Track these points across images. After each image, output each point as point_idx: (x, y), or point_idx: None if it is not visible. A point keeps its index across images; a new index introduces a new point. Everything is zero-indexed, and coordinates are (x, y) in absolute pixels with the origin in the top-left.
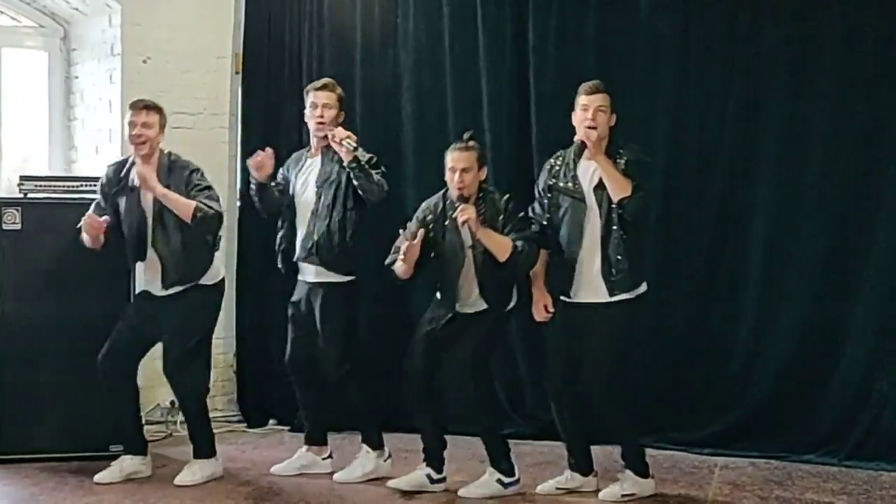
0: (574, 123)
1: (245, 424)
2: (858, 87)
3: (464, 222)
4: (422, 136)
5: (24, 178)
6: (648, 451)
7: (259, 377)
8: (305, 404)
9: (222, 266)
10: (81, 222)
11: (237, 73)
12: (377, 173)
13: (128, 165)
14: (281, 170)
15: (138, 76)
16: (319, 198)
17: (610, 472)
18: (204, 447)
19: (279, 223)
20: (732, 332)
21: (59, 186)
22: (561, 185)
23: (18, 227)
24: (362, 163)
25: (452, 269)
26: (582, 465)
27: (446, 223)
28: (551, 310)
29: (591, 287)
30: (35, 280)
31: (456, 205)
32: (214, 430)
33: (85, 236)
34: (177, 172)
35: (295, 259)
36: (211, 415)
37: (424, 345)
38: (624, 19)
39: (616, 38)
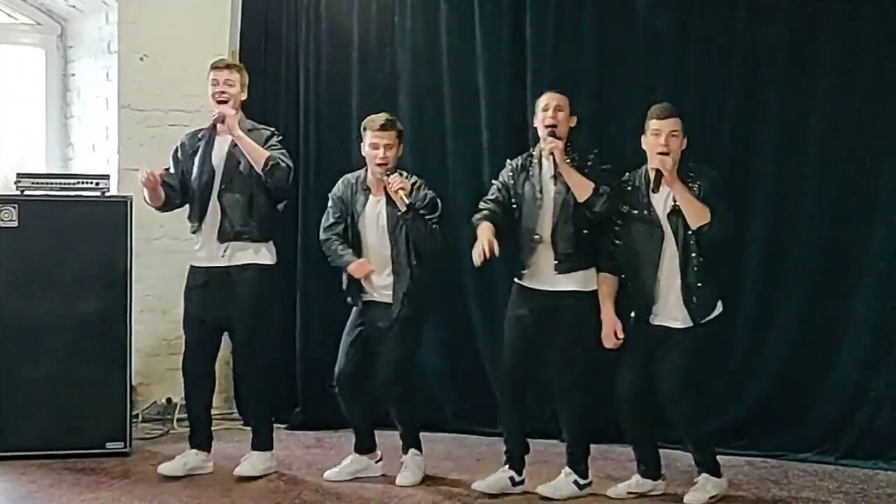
0: (644, 148)
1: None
2: (857, 84)
3: (550, 151)
4: (419, 134)
5: (21, 176)
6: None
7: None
8: (352, 417)
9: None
10: (140, 176)
11: None
12: (432, 220)
13: (204, 130)
14: (335, 193)
15: (135, 73)
16: (395, 244)
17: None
18: (264, 440)
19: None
20: (730, 332)
21: (56, 184)
22: (635, 212)
23: (15, 224)
24: (418, 211)
25: (529, 219)
26: (651, 469)
27: (530, 166)
28: (621, 336)
29: (670, 314)
30: (32, 277)
31: (545, 139)
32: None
33: (145, 192)
34: (255, 133)
35: (366, 300)
36: None
37: (516, 342)
38: (621, 17)
39: (613, 36)
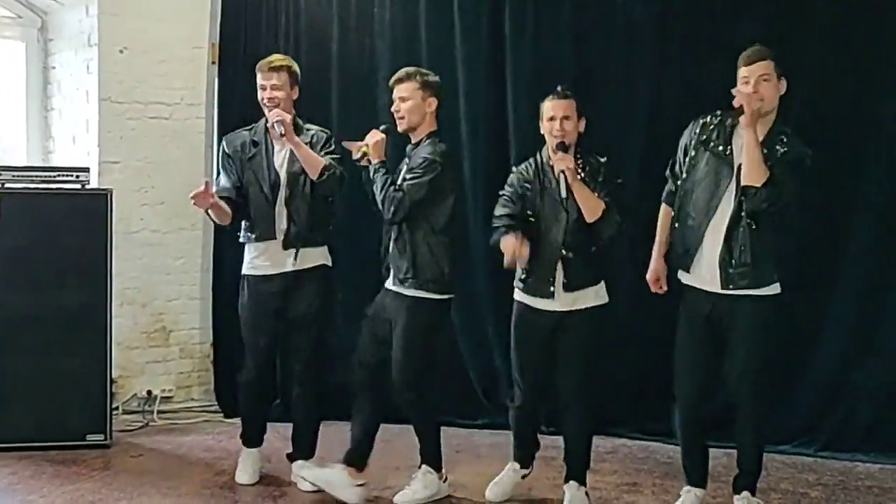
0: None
1: (221, 414)
2: (839, 78)
3: (561, 171)
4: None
5: (1, 168)
6: (623, 441)
7: (236, 367)
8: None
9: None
10: (193, 200)
11: (213, 63)
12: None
13: (248, 135)
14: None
15: (115, 66)
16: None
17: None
18: (306, 444)
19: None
20: None
21: (37, 176)
22: (711, 144)
23: None
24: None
25: (553, 232)
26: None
27: (545, 179)
28: (664, 287)
29: (706, 271)
30: (12, 270)
31: (555, 152)
32: (190, 421)
33: (211, 213)
34: (308, 135)
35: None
36: (187, 404)
37: (535, 369)
38: (600, 9)
39: (592, 28)
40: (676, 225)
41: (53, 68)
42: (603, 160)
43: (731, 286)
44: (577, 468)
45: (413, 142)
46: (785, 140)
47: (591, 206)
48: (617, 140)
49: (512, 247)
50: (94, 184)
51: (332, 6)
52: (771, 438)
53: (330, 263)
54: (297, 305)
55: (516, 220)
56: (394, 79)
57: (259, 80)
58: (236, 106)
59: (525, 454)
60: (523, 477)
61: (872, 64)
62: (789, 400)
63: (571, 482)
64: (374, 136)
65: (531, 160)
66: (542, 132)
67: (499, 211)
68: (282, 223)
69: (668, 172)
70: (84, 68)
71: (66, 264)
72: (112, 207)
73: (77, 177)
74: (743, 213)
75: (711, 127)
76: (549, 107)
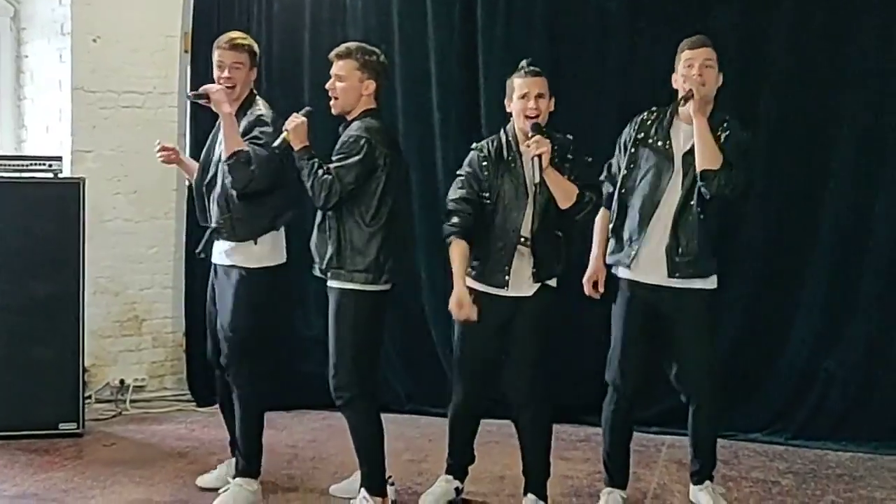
0: (676, 87)
1: (194, 403)
2: (807, 71)
3: (536, 156)
4: None
5: None
6: (595, 429)
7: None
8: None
9: (275, 253)
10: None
11: (186, 52)
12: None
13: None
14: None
15: (88, 55)
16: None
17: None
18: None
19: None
20: None
21: (9, 165)
22: (650, 140)
23: None
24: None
25: (512, 217)
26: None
27: (510, 159)
28: (601, 290)
29: (649, 263)
30: None
31: (529, 134)
32: (163, 410)
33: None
34: (250, 113)
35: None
36: (160, 393)
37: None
38: None
39: (564, 18)
40: (616, 222)
41: (26, 57)
42: (570, 138)
43: (677, 274)
44: (536, 480)
45: (348, 121)
46: (726, 125)
47: (566, 192)
48: (586, 130)
49: (465, 313)
50: (66, 173)
51: None
52: (742, 427)
53: (251, 266)
54: (221, 308)
55: (472, 207)
56: (333, 53)
57: (216, 56)
58: None
59: (460, 463)
60: (458, 491)
61: (843, 53)
62: (760, 389)
63: (530, 495)
64: (294, 121)
65: (494, 138)
66: (508, 111)
67: (453, 194)
68: (211, 209)
69: (603, 176)
70: (57, 57)
71: (39, 253)
72: (85, 196)
73: (50, 166)
74: (692, 203)
75: (649, 123)
76: (520, 84)
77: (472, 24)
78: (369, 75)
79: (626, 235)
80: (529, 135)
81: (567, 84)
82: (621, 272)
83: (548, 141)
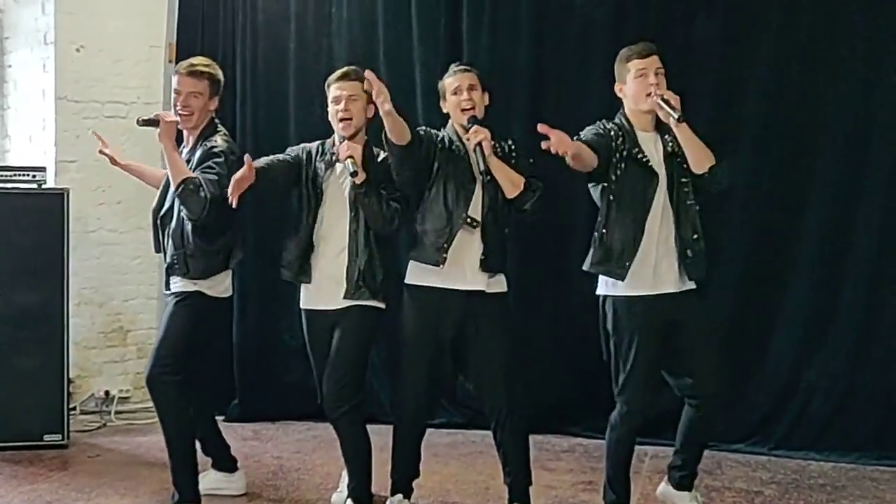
0: (623, 96)
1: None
2: (791, 77)
3: (478, 144)
4: None
5: None
6: (578, 440)
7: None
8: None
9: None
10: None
11: (170, 62)
12: (392, 200)
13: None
14: (294, 151)
15: (72, 65)
16: (357, 219)
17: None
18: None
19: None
20: None
21: None
22: (630, 153)
23: None
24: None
25: (460, 200)
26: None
27: (456, 151)
28: (555, 148)
29: (654, 274)
30: None
31: (466, 126)
32: (148, 421)
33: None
34: (204, 145)
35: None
36: (145, 405)
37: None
38: (557, 7)
39: (549, 26)
40: (604, 232)
41: (9, 66)
42: (510, 141)
43: (688, 276)
44: (519, 487)
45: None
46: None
47: (512, 180)
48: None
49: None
50: (50, 183)
51: (290, 6)
52: (725, 437)
53: (193, 290)
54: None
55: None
56: (339, 74)
57: (174, 82)
58: None
59: (407, 478)
60: None
61: (825, 61)
62: (743, 399)
63: None
64: (355, 148)
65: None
66: (445, 111)
67: None
68: (166, 243)
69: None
70: (40, 67)
71: (23, 264)
72: (69, 207)
73: (33, 176)
74: (690, 203)
75: (621, 137)
76: (451, 81)
77: (457, 36)
78: (368, 99)
79: (617, 247)
80: (466, 127)
81: (552, 93)
82: (619, 290)
83: (486, 129)
